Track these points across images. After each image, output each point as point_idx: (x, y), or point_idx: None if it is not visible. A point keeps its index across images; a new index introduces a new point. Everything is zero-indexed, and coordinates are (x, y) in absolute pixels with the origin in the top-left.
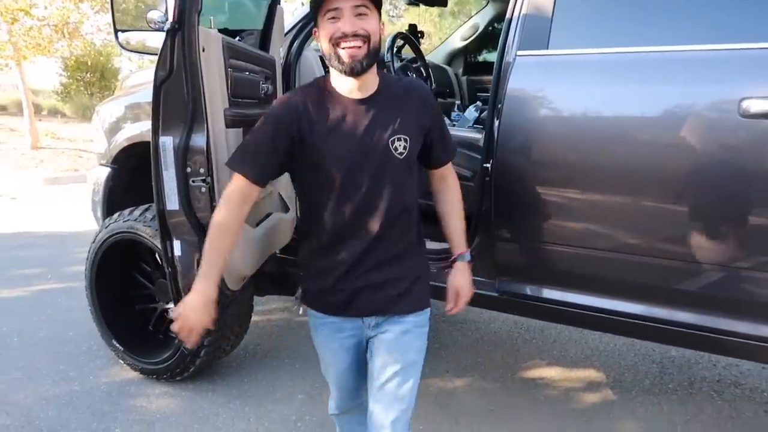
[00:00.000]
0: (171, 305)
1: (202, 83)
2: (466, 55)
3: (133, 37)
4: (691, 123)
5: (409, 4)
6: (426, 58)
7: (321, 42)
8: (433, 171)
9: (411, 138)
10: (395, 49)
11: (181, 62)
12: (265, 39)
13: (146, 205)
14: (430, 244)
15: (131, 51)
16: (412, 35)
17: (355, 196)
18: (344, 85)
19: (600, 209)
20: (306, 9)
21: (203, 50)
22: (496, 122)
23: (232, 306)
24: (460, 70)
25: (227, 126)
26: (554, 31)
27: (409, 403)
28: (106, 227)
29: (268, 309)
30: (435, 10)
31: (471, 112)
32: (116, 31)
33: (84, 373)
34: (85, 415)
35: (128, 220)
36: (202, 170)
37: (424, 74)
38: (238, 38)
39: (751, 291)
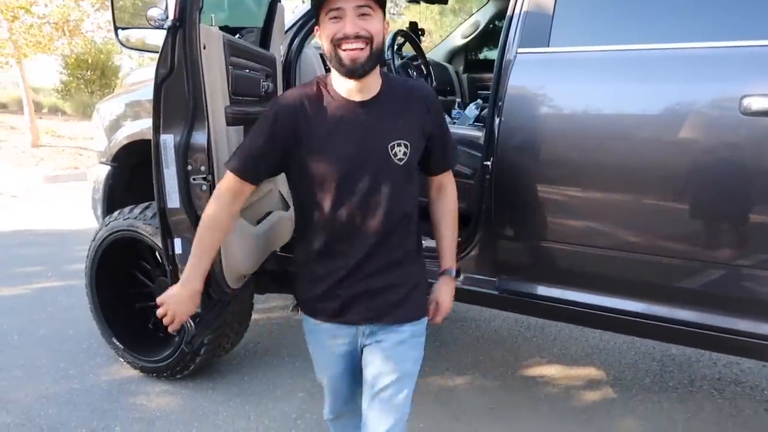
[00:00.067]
0: None
1: (203, 81)
2: (466, 52)
3: (133, 35)
4: (692, 120)
5: (410, 1)
6: (427, 55)
7: (322, 41)
8: (432, 178)
9: (412, 143)
10: (396, 47)
11: (182, 60)
12: (265, 37)
13: (146, 203)
14: (429, 242)
15: (131, 48)
16: (413, 33)
17: (351, 201)
18: (345, 87)
19: (601, 207)
20: (306, 6)
21: (204, 48)
22: (497, 120)
23: (232, 304)
24: (461, 68)
25: (228, 124)
26: (555, 28)
27: (404, 413)
28: (106, 225)
29: (268, 307)
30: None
31: (471, 110)
32: (116, 28)
33: (84, 371)
34: (86, 413)
35: (128, 218)
36: (203, 168)
37: (425, 72)
38: (238, 36)
39: (752, 289)
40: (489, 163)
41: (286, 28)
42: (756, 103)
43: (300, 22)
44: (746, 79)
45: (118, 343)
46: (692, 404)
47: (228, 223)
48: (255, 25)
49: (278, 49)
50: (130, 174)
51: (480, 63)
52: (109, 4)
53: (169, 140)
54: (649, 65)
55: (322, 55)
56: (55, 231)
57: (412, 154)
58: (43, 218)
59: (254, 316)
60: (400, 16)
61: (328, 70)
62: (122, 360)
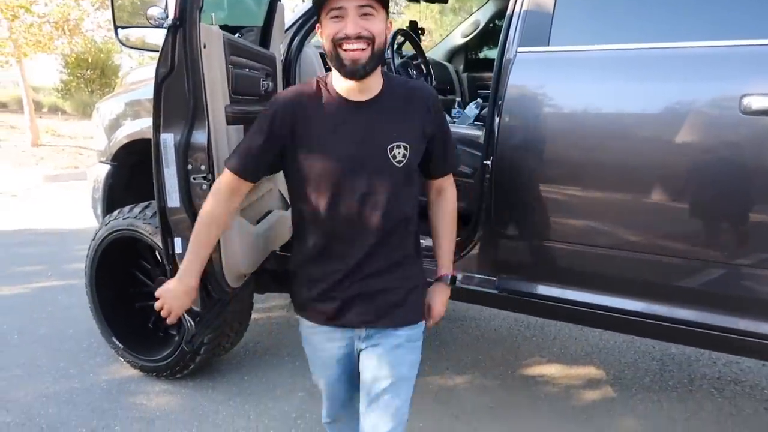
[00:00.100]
0: None
1: (203, 80)
2: (466, 51)
3: (133, 34)
4: (692, 120)
5: (410, 0)
6: (426, 55)
7: (323, 40)
8: (431, 181)
9: (411, 146)
10: (396, 46)
11: (183, 59)
12: (265, 36)
13: (146, 203)
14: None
15: (131, 48)
16: (413, 32)
17: (349, 202)
18: (345, 86)
19: (600, 206)
20: (306, 5)
21: (204, 47)
22: (497, 119)
23: (232, 303)
24: (461, 67)
25: (228, 123)
26: (555, 27)
27: (401, 418)
28: (106, 224)
29: (268, 306)
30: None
31: (471, 109)
32: (116, 27)
33: (84, 370)
34: (85, 412)
35: (128, 217)
36: (203, 167)
37: (425, 71)
38: (238, 35)
39: (752, 288)
40: (489, 162)
41: (286, 27)
42: (756, 103)
43: (300, 21)
44: (746, 78)
45: (117, 343)
46: (692, 403)
47: (225, 220)
48: (255, 24)
49: (278, 48)
50: (130, 173)
51: (480, 62)
52: (108, 3)
53: (169, 139)
54: (649, 64)
55: (322, 54)
56: (55, 230)
57: (411, 156)
58: (43, 217)
59: (254, 315)
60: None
61: (328, 69)
62: (122, 359)
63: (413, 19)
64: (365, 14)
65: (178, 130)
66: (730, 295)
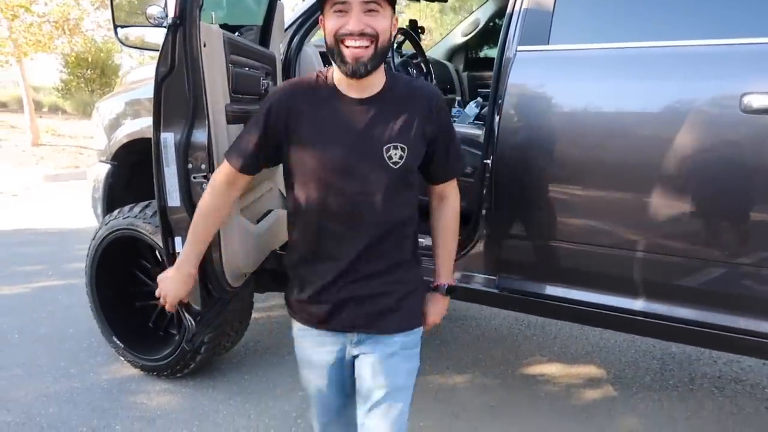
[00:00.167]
0: None
1: (203, 79)
2: (466, 50)
3: (133, 33)
4: (692, 119)
5: None
6: (426, 54)
7: (325, 34)
8: (432, 186)
9: (409, 147)
10: (395, 45)
11: (183, 58)
12: (265, 35)
13: (146, 202)
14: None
15: (131, 47)
16: (413, 31)
17: (341, 202)
18: (345, 82)
19: (601, 205)
20: (307, 4)
21: (204, 46)
22: (497, 118)
23: (232, 303)
24: (461, 66)
25: (228, 122)
26: (555, 26)
27: (401, 426)
28: (106, 224)
29: (268, 306)
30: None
31: (471, 108)
32: (115, 26)
33: (84, 370)
34: (86, 411)
35: (128, 216)
36: (203, 166)
37: (425, 70)
38: (237, 34)
39: (753, 287)
40: (489, 161)
41: (285, 26)
42: (756, 101)
43: (300, 20)
44: (746, 76)
45: (118, 342)
46: (693, 402)
47: (224, 211)
48: (255, 23)
49: (278, 47)
50: (130, 172)
51: (480, 61)
52: (108, 2)
53: (169, 138)
54: (650, 63)
55: (322, 54)
56: (55, 230)
57: (408, 158)
58: (44, 217)
59: (254, 314)
60: (400, 14)
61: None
62: (122, 359)
63: (413, 18)
64: (370, 10)
65: (179, 129)
66: (731, 293)
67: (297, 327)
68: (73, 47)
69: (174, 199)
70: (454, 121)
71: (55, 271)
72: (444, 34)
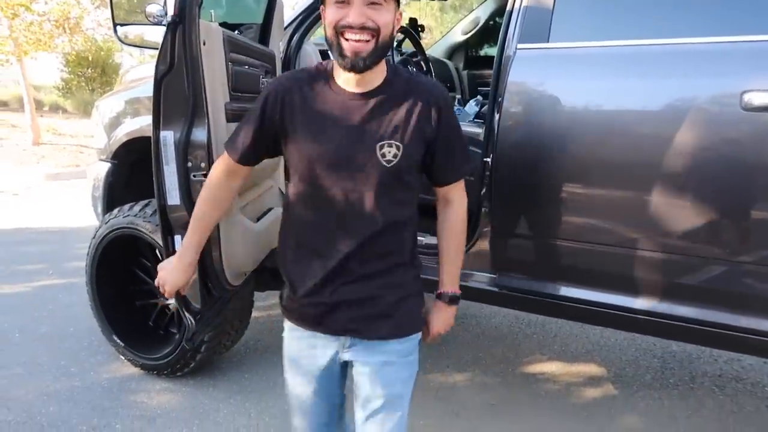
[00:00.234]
0: (171, 301)
1: (203, 77)
2: (466, 49)
3: (132, 31)
4: (693, 116)
5: None
6: (426, 52)
7: (324, 26)
8: (437, 189)
9: (404, 146)
10: (395, 44)
11: (182, 56)
12: (264, 33)
13: (146, 201)
14: (430, 239)
15: (130, 45)
16: (413, 29)
17: (331, 199)
18: (343, 76)
19: (601, 203)
20: (306, 2)
21: (204, 44)
22: (497, 116)
23: (232, 301)
24: (461, 65)
25: (228, 120)
26: (555, 23)
27: (401, 431)
28: (106, 223)
29: (268, 304)
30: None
31: (471, 107)
32: (115, 25)
33: (85, 368)
34: (86, 410)
35: (128, 215)
36: (203, 165)
37: (424, 69)
38: (237, 32)
39: (754, 285)
40: (489, 159)
41: (285, 25)
42: (757, 99)
43: (299, 18)
44: (747, 74)
45: (118, 341)
46: (693, 401)
47: (225, 202)
48: (254, 21)
49: (277, 45)
50: (130, 171)
51: (480, 59)
52: (108, 0)
53: (169, 137)
54: (650, 61)
55: (321, 52)
56: (56, 229)
57: (403, 157)
58: (44, 216)
59: (255, 313)
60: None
61: None
62: (123, 357)
63: (413, 16)
64: (373, 3)
65: (178, 127)
66: (731, 292)
67: (288, 327)
68: (74, 46)
69: (174, 197)
70: None
71: (56, 269)
72: (444, 33)
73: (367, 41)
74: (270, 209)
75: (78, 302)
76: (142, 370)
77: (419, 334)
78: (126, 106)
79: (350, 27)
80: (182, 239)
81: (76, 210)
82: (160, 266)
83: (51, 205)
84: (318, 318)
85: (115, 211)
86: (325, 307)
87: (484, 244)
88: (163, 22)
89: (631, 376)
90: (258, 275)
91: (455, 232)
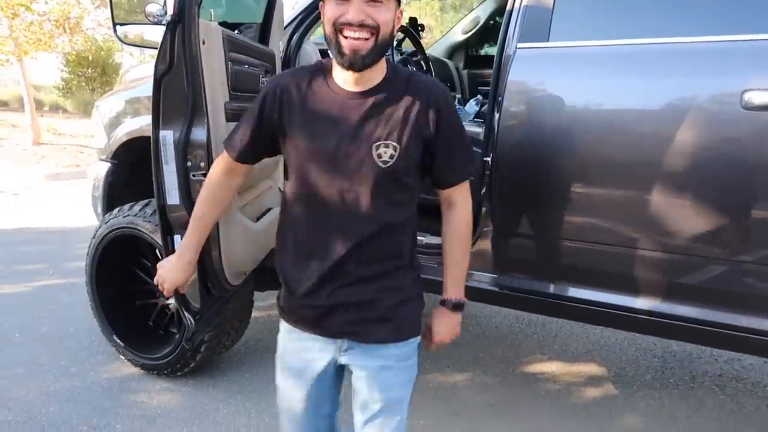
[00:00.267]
0: (171, 301)
1: (202, 77)
2: (467, 48)
3: (132, 31)
4: (693, 116)
5: None
6: (427, 51)
7: (324, 22)
8: (439, 191)
9: (401, 146)
10: (395, 43)
11: (182, 55)
12: (264, 32)
13: (146, 200)
14: (430, 239)
15: (130, 45)
16: (413, 28)
17: (329, 201)
18: (341, 74)
19: (601, 203)
20: (306, 1)
21: (203, 43)
22: (497, 116)
23: (232, 301)
24: (461, 64)
25: (228, 120)
26: (555, 23)
27: None
28: (106, 222)
29: (268, 304)
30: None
31: (471, 106)
32: (114, 24)
33: (85, 368)
34: (86, 410)
35: (128, 215)
36: (202, 164)
37: (424, 68)
38: (237, 31)
39: (754, 285)
40: (489, 158)
41: (285, 24)
42: (757, 98)
43: (299, 17)
44: (747, 73)
45: (118, 341)
46: (693, 401)
47: (225, 200)
48: (254, 20)
49: (277, 44)
50: (130, 171)
51: (480, 59)
52: (108, 0)
53: (168, 136)
54: (650, 60)
55: (321, 51)
56: (56, 228)
57: (400, 158)
58: (45, 216)
59: (255, 313)
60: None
61: None
62: (123, 357)
63: (413, 16)
64: (373, 0)
65: (178, 126)
66: (732, 291)
67: (285, 329)
68: (74, 46)
69: (173, 197)
70: None
71: (56, 269)
72: (444, 32)
73: (366, 39)
74: (269, 209)
75: (78, 302)
76: (142, 370)
77: (418, 338)
78: (126, 106)
79: (349, 24)
80: (182, 239)
81: (76, 210)
82: (159, 264)
83: (51, 205)
84: (316, 320)
85: (115, 210)
86: (322, 309)
87: (484, 244)
88: (163, 22)
89: (631, 375)
90: (258, 275)
91: (458, 236)
